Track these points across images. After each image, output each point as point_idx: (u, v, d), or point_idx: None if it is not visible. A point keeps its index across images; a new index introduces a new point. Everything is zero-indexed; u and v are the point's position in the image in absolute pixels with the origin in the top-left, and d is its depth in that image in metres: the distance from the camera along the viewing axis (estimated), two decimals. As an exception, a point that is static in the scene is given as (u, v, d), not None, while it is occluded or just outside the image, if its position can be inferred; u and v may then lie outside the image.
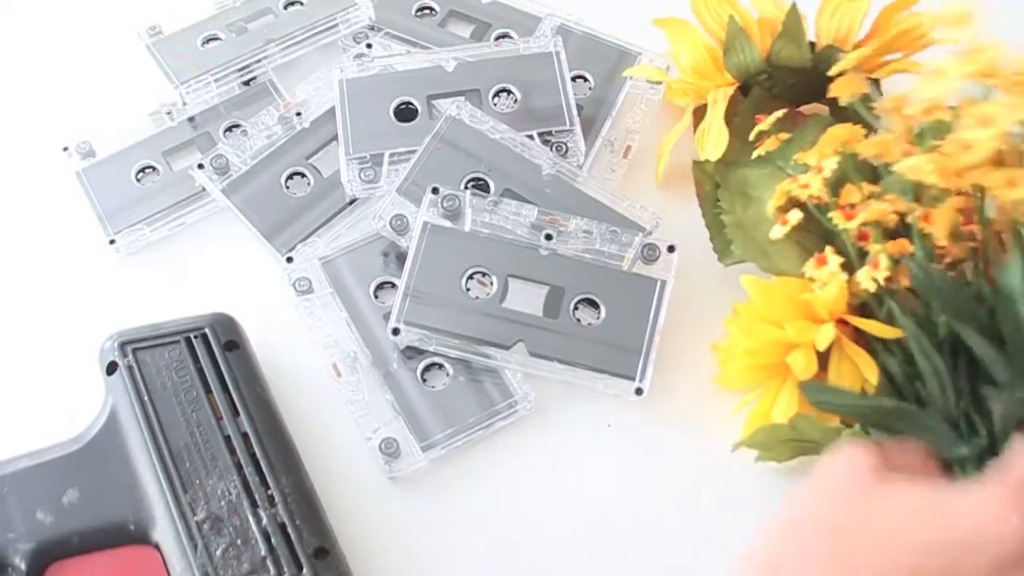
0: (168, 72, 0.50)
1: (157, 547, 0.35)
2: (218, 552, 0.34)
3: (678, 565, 0.38)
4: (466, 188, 0.45)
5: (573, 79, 0.49)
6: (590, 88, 0.50)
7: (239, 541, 0.34)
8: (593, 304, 0.43)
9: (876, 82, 0.46)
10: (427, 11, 0.53)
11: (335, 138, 0.48)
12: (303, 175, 0.48)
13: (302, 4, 0.52)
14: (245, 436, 0.37)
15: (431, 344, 0.41)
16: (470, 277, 0.43)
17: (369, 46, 0.51)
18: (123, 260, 0.46)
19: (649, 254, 0.43)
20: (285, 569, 0.34)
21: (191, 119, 0.50)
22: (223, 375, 0.38)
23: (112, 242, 0.46)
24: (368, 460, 0.40)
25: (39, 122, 0.51)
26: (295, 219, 0.46)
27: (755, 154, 0.42)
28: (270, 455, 0.37)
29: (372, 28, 0.52)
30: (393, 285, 0.44)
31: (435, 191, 0.43)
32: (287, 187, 0.47)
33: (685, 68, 0.47)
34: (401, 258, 0.44)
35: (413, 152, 0.46)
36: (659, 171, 0.47)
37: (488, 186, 0.45)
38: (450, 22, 0.53)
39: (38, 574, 0.34)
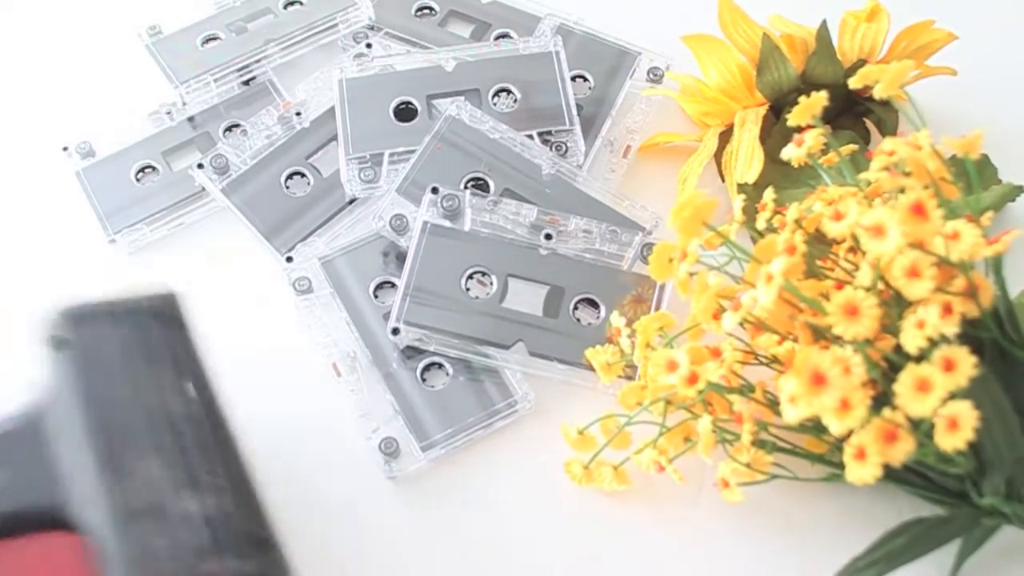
0: (168, 72, 0.50)
1: (89, 534, 0.32)
2: (159, 542, 0.31)
3: (676, 561, 0.38)
4: (466, 188, 0.45)
5: (573, 79, 0.49)
6: (590, 88, 0.50)
7: (182, 530, 0.31)
8: (593, 304, 0.43)
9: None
10: (427, 11, 0.53)
11: (335, 138, 0.47)
12: (303, 175, 0.48)
13: (302, 4, 0.52)
14: (191, 420, 0.34)
15: (431, 344, 0.41)
16: (470, 277, 0.43)
17: (369, 46, 0.51)
18: (123, 260, 0.46)
19: (649, 254, 0.43)
20: (230, 558, 0.31)
21: (191, 119, 0.50)
22: (169, 356, 0.35)
23: (112, 242, 0.46)
24: (368, 460, 0.40)
25: (39, 122, 0.51)
26: (295, 219, 0.46)
27: (822, 161, 0.39)
28: (216, 441, 0.34)
29: (372, 28, 0.52)
30: (393, 285, 0.44)
31: (435, 191, 0.43)
32: (287, 187, 0.47)
33: (712, 88, 0.47)
34: (401, 258, 0.44)
35: (413, 152, 0.46)
36: (681, 199, 0.46)
37: (488, 186, 0.45)
38: (450, 22, 0.53)
39: None
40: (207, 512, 0.32)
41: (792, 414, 0.30)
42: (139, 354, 0.34)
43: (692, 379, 0.34)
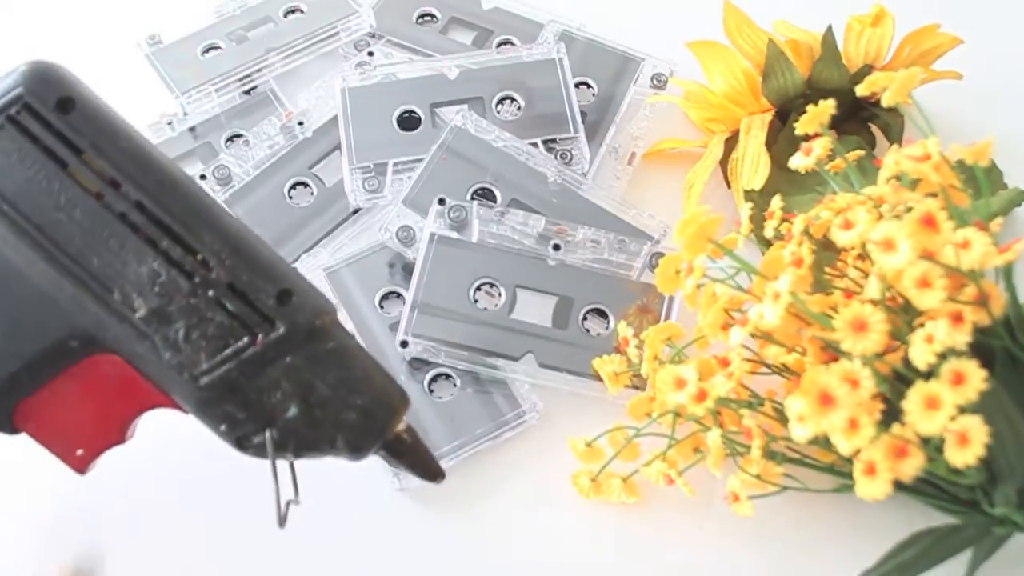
0: (168, 82, 0.49)
1: (115, 352, 0.31)
2: (179, 339, 0.30)
3: (687, 567, 0.38)
4: (473, 198, 0.45)
5: (576, 85, 0.49)
6: (593, 95, 0.50)
7: (195, 321, 0.30)
8: (602, 314, 0.43)
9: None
10: (428, 18, 0.53)
11: (338, 147, 0.47)
12: (306, 185, 0.47)
13: (302, 12, 0.52)
14: (139, 205, 0.31)
15: (439, 356, 0.41)
16: (478, 288, 0.42)
17: (371, 54, 0.50)
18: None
19: (658, 263, 0.43)
20: (257, 330, 0.30)
21: (192, 129, 0.49)
22: (72, 143, 0.31)
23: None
24: (376, 472, 0.40)
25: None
26: (299, 229, 0.46)
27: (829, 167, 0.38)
28: (178, 214, 0.31)
29: (373, 36, 0.52)
30: (399, 295, 0.44)
31: (441, 202, 0.43)
32: (290, 197, 0.47)
33: (717, 94, 0.47)
34: (406, 268, 0.44)
35: (417, 161, 0.45)
36: (688, 206, 0.46)
37: (494, 196, 0.45)
38: (451, 29, 0.53)
39: (7, 422, 0.32)
40: (210, 294, 0.31)
41: (800, 433, 0.30)
42: (36, 159, 0.31)
43: (700, 396, 0.34)
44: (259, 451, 0.32)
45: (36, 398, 0.32)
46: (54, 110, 0.31)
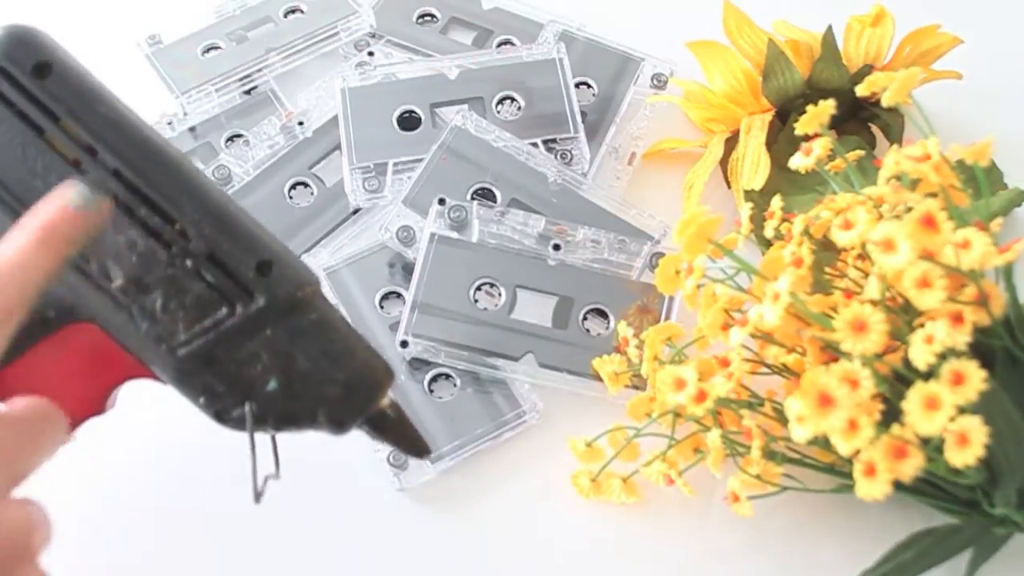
0: (168, 82, 0.49)
1: (92, 321, 0.31)
2: (157, 309, 0.30)
3: (687, 567, 0.38)
4: (473, 198, 0.45)
5: (576, 85, 0.49)
6: (594, 95, 0.50)
7: (173, 291, 0.30)
8: (602, 314, 0.43)
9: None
10: (428, 18, 0.53)
11: (338, 147, 0.47)
12: (306, 185, 0.47)
13: (302, 12, 0.52)
14: (116, 173, 0.30)
15: (440, 356, 0.41)
16: (478, 288, 0.42)
17: (371, 54, 0.50)
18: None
19: (658, 263, 0.43)
20: (236, 302, 0.30)
21: (192, 129, 0.49)
22: (49, 109, 0.30)
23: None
24: (377, 472, 0.40)
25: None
26: (299, 230, 0.46)
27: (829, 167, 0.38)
28: (157, 183, 0.30)
29: (373, 36, 0.52)
30: (399, 295, 0.44)
31: (442, 202, 0.43)
32: (290, 197, 0.47)
33: (717, 94, 0.47)
34: (407, 268, 0.44)
35: (417, 161, 0.45)
36: (688, 206, 0.46)
37: (494, 196, 0.45)
38: (451, 29, 0.53)
39: None
40: (188, 265, 0.30)
41: (800, 434, 0.30)
42: (12, 125, 0.30)
43: (700, 397, 0.34)
44: (239, 424, 0.31)
45: (14, 368, 0.31)
46: (30, 75, 0.30)
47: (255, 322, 0.30)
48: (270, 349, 0.30)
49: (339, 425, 0.32)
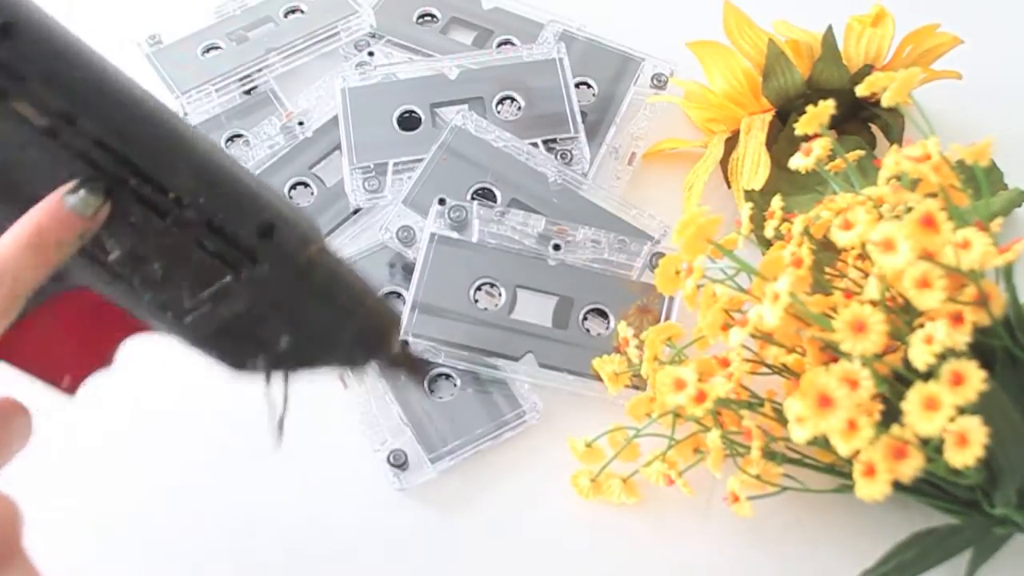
0: (168, 82, 0.49)
1: (91, 290, 0.30)
2: (158, 279, 0.29)
3: (686, 567, 0.38)
4: (473, 198, 0.45)
5: (576, 85, 0.49)
6: (594, 95, 0.50)
7: (173, 261, 0.28)
8: (602, 314, 0.43)
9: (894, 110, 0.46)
10: (428, 18, 0.53)
11: (338, 147, 0.47)
12: (306, 185, 0.47)
13: (303, 12, 0.52)
14: (100, 143, 0.28)
15: (440, 356, 0.41)
16: (478, 288, 0.43)
17: (371, 54, 0.50)
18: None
19: (658, 263, 0.43)
20: (240, 267, 0.29)
21: (192, 129, 0.49)
22: (15, 72, 0.27)
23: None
24: (377, 472, 0.40)
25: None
26: (299, 229, 0.46)
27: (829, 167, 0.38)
28: (145, 150, 0.28)
29: (373, 36, 0.52)
30: (399, 295, 0.44)
31: (442, 202, 0.43)
32: (290, 197, 0.47)
33: (717, 94, 0.47)
34: (407, 268, 0.44)
35: (417, 161, 0.45)
36: (688, 206, 0.46)
37: (494, 196, 0.45)
38: (451, 29, 0.53)
39: None
40: (188, 233, 0.29)
41: (800, 434, 0.30)
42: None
43: (700, 398, 0.34)
44: (254, 372, 0.30)
45: (15, 331, 0.29)
46: None
47: (261, 286, 0.29)
48: (279, 310, 0.30)
49: (353, 367, 0.31)
